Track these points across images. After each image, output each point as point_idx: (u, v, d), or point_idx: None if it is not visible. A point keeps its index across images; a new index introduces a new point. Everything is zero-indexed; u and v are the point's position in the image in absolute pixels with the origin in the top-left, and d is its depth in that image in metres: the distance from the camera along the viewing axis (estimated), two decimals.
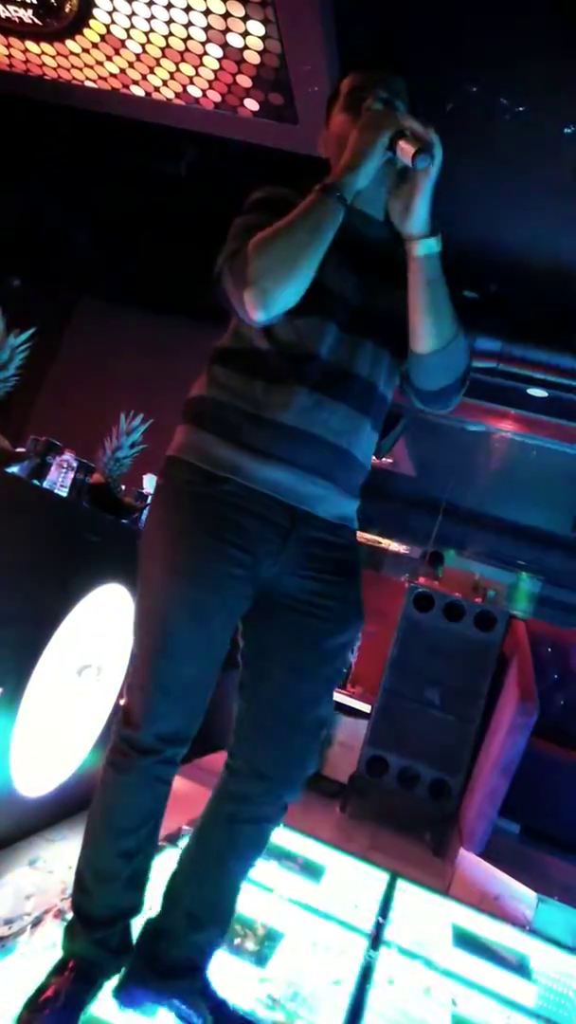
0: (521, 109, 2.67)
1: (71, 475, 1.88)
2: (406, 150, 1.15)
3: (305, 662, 1.30)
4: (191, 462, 1.25)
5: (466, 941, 2.24)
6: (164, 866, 1.45)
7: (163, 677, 1.23)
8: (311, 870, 2.37)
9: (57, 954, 1.30)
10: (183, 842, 2.03)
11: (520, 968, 2.19)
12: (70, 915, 1.32)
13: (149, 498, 2.37)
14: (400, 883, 2.52)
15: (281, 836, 2.59)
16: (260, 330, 1.26)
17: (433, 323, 1.21)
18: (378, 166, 1.18)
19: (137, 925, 1.35)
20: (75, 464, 1.89)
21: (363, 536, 9.68)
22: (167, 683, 1.23)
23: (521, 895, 2.58)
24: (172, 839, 2.12)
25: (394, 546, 9.81)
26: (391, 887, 2.46)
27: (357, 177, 1.17)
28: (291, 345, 1.25)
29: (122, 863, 1.27)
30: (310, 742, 1.34)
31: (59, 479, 1.85)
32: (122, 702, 1.30)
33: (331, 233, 1.17)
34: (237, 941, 1.73)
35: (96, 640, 1.99)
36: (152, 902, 1.37)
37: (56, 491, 1.83)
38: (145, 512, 2.35)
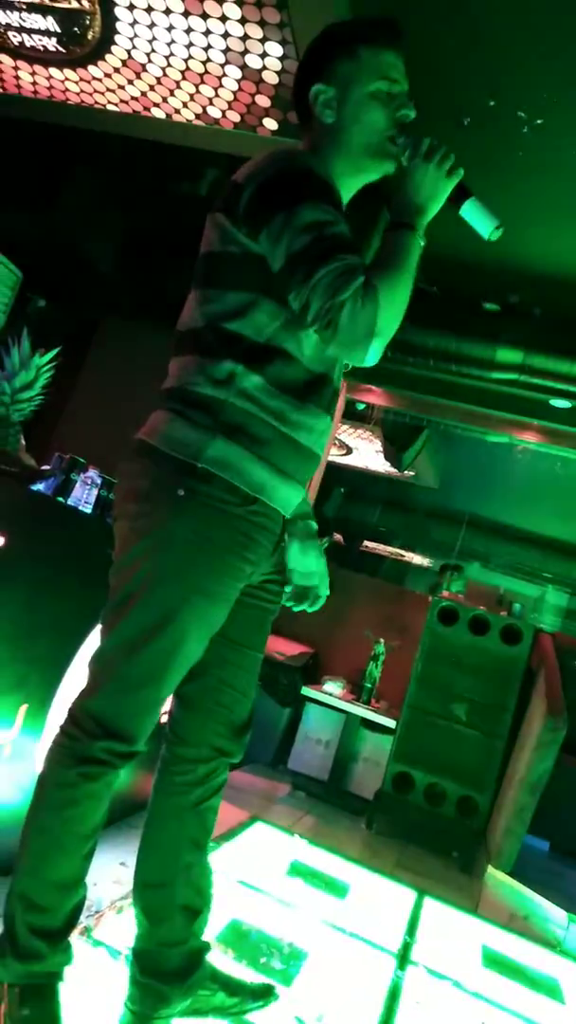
0: (540, 122, 2.67)
1: (95, 492, 1.90)
2: (486, 219, 1.18)
3: (256, 642, 1.38)
4: (227, 480, 1.17)
5: (495, 961, 2.20)
6: None
7: (164, 692, 1.21)
8: (336, 888, 2.35)
9: (69, 972, 1.21)
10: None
11: (551, 990, 2.14)
12: (79, 933, 1.26)
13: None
14: (427, 901, 2.49)
15: (307, 853, 2.57)
16: (289, 331, 1.18)
17: None
18: None
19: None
20: (99, 481, 1.91)
21: (385, 549, 9.65)
22: (164, 698, 1.23)
23: (552, 914, 2.53)
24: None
25: (417, 559, 9.74)
26: (418, 905, 2.43)
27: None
28: (317, 362, 1.23)
29: (87, 863, 1.23)
30: (253, 704, 1.40)
31: (83, 496, 1.87)
32: (93, 706, 1.19)
33: None
34: (263, 960, 1.72)
35: None
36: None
37: (80, 508, 1.85)
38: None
